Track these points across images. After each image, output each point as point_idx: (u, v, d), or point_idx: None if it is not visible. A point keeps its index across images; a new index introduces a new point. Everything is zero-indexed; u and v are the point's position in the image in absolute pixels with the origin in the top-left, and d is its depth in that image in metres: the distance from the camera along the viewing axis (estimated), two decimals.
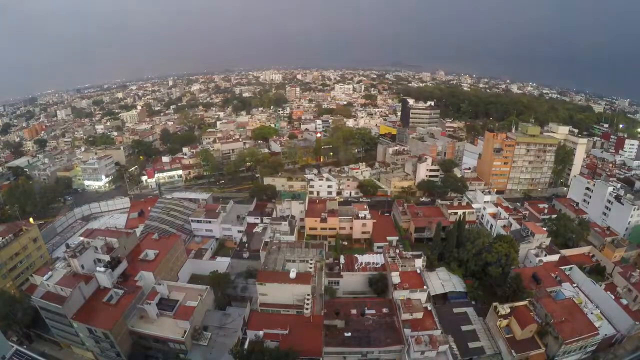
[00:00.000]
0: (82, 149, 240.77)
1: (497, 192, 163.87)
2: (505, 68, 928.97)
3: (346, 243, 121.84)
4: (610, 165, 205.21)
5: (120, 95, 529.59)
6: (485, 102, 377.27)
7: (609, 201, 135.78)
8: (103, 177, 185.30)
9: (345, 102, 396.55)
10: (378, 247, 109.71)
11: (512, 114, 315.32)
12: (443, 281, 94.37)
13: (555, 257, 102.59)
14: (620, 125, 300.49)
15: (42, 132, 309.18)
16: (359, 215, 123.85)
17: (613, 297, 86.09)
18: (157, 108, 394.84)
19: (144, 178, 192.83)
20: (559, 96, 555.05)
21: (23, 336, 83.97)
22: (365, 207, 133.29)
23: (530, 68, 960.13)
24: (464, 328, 79.78)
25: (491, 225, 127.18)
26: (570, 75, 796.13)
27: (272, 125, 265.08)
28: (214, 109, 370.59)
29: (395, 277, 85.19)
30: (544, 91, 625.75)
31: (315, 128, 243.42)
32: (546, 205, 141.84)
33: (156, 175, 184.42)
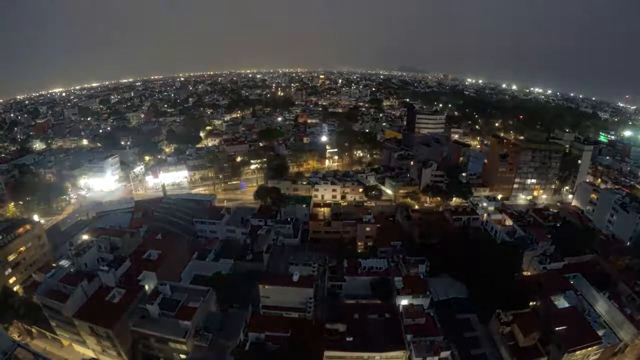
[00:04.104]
0: (89, 148, 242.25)
1: (502, 199, 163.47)
2: (512, 73, 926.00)
3: (350, 247, 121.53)
4: (616, 172, 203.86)
5: (127, 95, 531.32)
6: (491, 107, 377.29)
7: (614, 209, 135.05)
8: (108, 176, 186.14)
9: (351, 106, 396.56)
10: (381, 252, 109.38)
11: (519, 120, 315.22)
12: (446, 287, 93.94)
13: (559, 265, 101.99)
14: (625, 133, 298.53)
15: (49, 130, 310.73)
16: (363, 219, 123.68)
17: (617, 306, 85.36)
18: (163, 108, 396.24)
19: (149, 178, 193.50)
20: (565, 102, 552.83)
21: (25, 332, 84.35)
22: (369, 211, 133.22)
23: (539, 73, 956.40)
24: (467, 335, 79.42)
25: (495, 232, 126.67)
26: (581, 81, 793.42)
27: (278, 128, 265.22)
28: (221, 110, 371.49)
29: (398, 282, 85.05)
30: (550, 98, 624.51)
31: (321, 132, 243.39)
32: (551, 212, 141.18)
33: (161, 175, 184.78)
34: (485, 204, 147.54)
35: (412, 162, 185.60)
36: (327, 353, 67.45)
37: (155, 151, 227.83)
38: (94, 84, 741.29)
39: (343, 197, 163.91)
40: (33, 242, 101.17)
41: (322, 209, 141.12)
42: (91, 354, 78.24)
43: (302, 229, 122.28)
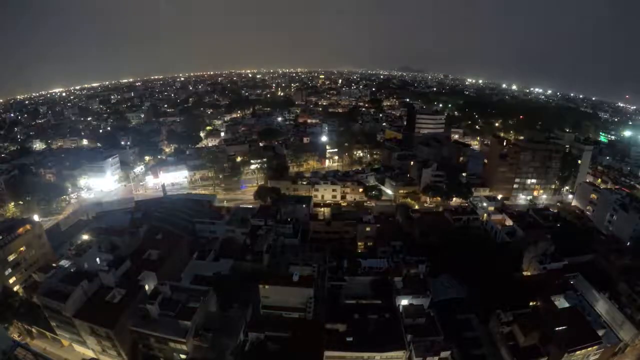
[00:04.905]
0: (89, 147, 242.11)
1: (502, 199, 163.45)
2: (512, 73, 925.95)
3: (350, 247, 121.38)
4: (616, 172, 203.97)
5: (127, 95, 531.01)
6: (491, 107, 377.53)
7: (614, 209, 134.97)
8: (108, 176, 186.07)
9: (351, 106, 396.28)
10: (381, 252, 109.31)
11: (519, 120, 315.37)
12: (446, 287, 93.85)
13: (559, 265, 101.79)
14: (625, 133, 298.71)
15: (49, 130, 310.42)
16: (363, 219, 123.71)
17: (617, 306, 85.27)
18: (163, 109, 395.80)
19: (149, 178, 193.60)
20: (565, 102, 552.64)
21: (25, 332, 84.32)
22: (369, 211, 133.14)
23: (540, 74, 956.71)
24: (467, 335, 79.25)
25: (496, 232, 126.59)
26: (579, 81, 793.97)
27: (278, 129, 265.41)
28: (221, 110, 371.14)
29: (398, 282, 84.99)
30: (551, 98, 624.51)
31: (321, 132, 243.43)
32: (551, 212, 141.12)
33: (161, 175, 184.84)
34: (485, 204, 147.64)
35: (412, 162, 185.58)
36: (327, 353, 67.36)
37: (155, 151, 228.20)
38: (94, 84, 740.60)
39: (343, 197, 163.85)
40: (33, 242, 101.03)
41: (322, 209, 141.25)
42: (91, 354, 78.28)
43: (302, 229, 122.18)
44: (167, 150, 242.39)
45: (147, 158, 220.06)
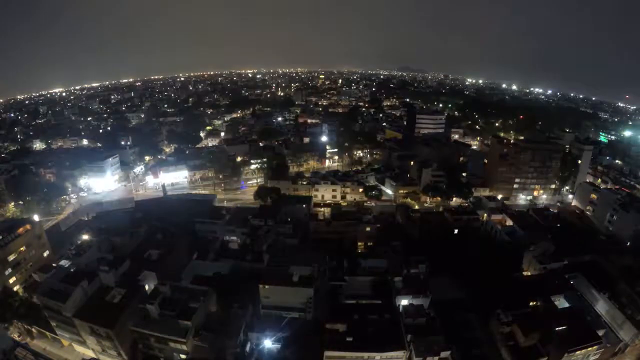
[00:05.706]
0: (89, 147, 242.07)
1: (502, 199, 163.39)
2: (512, 73, 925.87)
3: (350, 247, 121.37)
4: (616, 172, 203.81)
5: (127, 95, 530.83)
6: (491, 107, 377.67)
7: (614, 209, 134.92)
8: (108, 176, 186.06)
9: (351, 106, 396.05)
10: (382, 252, 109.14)
11: (519, 120, 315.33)
12: (446, 287, 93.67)
13: (559, 265, 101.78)
14: (625, 133, 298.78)
15: (49, 130, 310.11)
16: (363, 219, 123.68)
17: (617, 306, 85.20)
18: (163, 109, 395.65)
19: (149, 178, 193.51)
20: (565, 102, 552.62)
21: (25, 332, 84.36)
22: (369, 211, 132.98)
23: (540, 74, 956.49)
24: (466, 335, 79.12)
25: (496, 232, 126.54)
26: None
27: (278, 129, 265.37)
28: (221, 110, 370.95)
29: (398, 282, 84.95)
30: (551, 98, 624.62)
31: (321, 132, 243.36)
32: (551, 212, 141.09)
33: (161, 175, 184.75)
34: (485, 204, 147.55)
35: (412, 162, 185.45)
36: (327, 353, 67.36)
37: (155, 151, 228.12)
38: (94, 84, 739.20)
39: (343, 197, 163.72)
40: (33, 242, 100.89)
41: (322, 209, 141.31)
42: (91, 354, 78.30)
43: (302, 229, 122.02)
44: (167, 150, 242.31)
45: (147, 158, 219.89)
